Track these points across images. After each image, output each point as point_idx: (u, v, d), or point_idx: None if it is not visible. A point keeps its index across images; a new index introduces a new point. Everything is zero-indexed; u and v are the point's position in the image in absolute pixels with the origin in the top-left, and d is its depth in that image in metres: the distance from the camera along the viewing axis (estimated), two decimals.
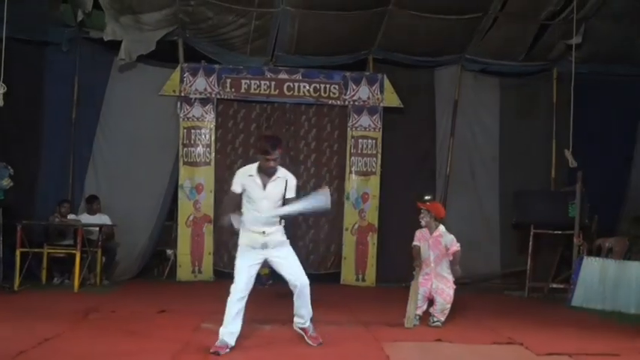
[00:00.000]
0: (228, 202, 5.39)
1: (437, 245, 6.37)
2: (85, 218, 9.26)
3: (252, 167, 5.17)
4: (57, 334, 5.46)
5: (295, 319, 5.40)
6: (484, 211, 10.49)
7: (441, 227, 6.44)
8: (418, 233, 6.50)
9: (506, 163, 10.52)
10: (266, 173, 5.10)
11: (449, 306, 6.39)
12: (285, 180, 5.16)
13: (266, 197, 5.09)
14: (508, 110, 10.65)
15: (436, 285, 6.37)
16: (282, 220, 5.23)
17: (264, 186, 5.09)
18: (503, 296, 9.27)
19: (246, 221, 5.16)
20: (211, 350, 4.88)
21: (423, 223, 6.42)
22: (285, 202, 5.16)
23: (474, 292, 9.20)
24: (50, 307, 6.96)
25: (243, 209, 5.21)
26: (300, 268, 5.26)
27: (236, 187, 5.16)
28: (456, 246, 6.35)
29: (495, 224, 10.46)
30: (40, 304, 7.20)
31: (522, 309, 8.12)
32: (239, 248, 5.20)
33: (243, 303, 5.06)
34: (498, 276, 10.39)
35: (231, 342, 5.01)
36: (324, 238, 10.23)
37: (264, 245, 5.12)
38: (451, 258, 6.37)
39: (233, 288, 5.06)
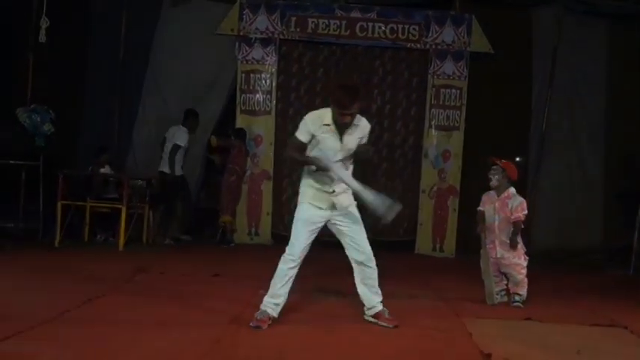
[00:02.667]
0: (293, 153, 5.07)
1: (503, 208, 6.24)
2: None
3: (326, 114, 4.88)
4: (102, 294, 5.59)
5: (365, 309, 5.21)
6: (586, 175, 10.20)
7: (511, 189, 6.31)
8: (484, 197, 6.41)
9: (614, 121, 10.14)
10: (341, 123, 4.86)
11: (522, 277, 6.21)
12: (361, 127, 4.97)
13: (343, 149, 4.90)
14: (618, 59, 10.21)
15: (501, 254, 6.23)
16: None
17: (341, 137, 4.89)
18: (603, 274, 9.04)
19: (311, 176, 5.00)
20: (251, 324, 4.79)
21: (493, 181, 6.28)
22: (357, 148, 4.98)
23: (570, 267, 9.06)
24: (94, 265, 7.17)
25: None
26: (366, 238, 5.08)
27: (303, 135, 4.91)
28: (521, 213, 6.19)
29: (599, 191, 10.16)
30: (83, 262, 7.40)
31: (627, 289, 7.90)
32: (299, 207, 5.04)
33: (295, 271, 4.96)
34: (599, 251, 10.11)
35: (274, 314, 4.94)
36: (397, 200, 10.06)
37: (331, 206, 4.97)
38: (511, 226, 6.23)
39: (286, 252, 4.97)
